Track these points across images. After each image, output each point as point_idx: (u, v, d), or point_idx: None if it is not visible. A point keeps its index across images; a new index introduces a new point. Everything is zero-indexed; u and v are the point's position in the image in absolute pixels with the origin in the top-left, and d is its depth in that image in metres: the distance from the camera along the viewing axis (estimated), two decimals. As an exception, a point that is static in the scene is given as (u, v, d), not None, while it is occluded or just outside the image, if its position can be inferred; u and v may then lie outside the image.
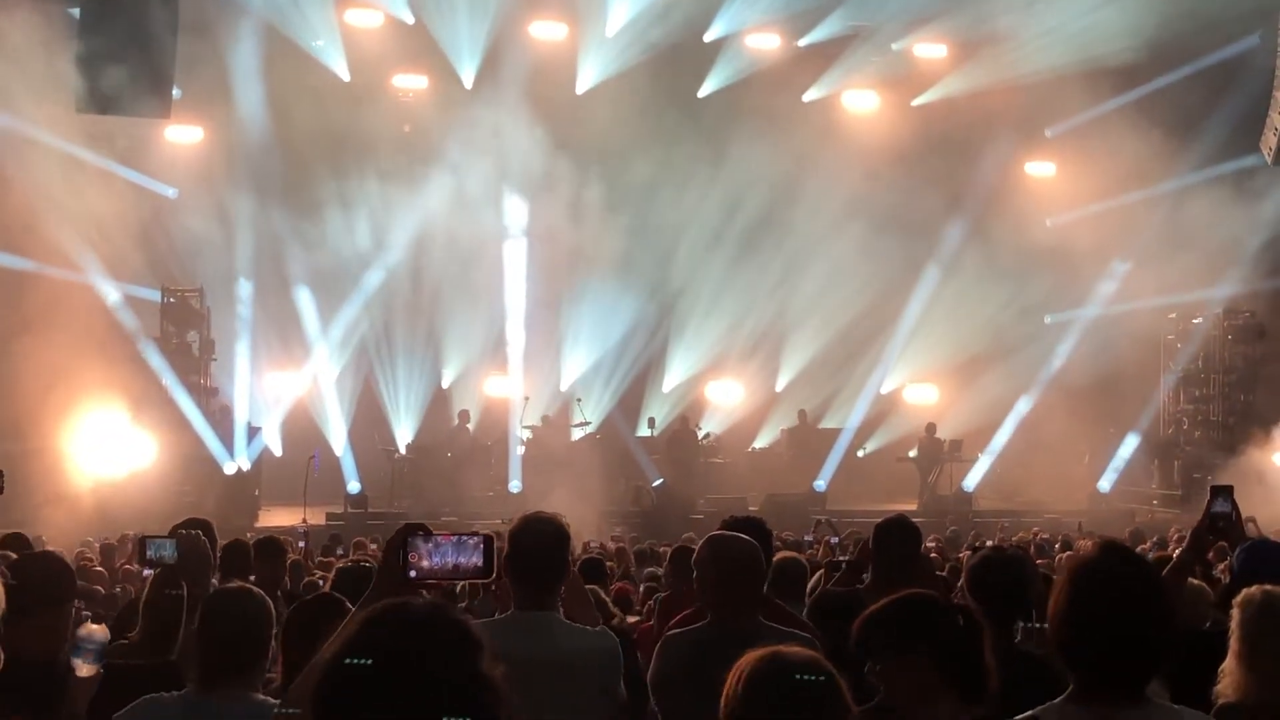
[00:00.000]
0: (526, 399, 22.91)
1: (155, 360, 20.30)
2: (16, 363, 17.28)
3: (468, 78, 23.43)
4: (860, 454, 24.45)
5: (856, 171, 23.15)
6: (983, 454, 23.04)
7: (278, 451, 22.35)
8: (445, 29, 23.13)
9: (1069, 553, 12.40)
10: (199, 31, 19.83)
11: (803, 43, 24.14)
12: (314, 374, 23.13)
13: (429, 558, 2.95)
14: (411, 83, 23.78)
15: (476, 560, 2.97)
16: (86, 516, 16.30)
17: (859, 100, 25.03)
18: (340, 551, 13.90)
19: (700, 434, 23.11)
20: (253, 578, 6.41)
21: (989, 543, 12.33)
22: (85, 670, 3.94)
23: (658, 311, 24.68)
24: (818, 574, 7.32)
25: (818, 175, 23.25)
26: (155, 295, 21.00)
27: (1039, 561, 8.77)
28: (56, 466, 17.56)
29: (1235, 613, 4.22)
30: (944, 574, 8.40)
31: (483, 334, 23.80)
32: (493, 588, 4.69)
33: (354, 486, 21.51)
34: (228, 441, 20.76)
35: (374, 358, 23.85)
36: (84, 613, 7.19)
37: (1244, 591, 4.28)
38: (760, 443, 24.98)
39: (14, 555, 6.21)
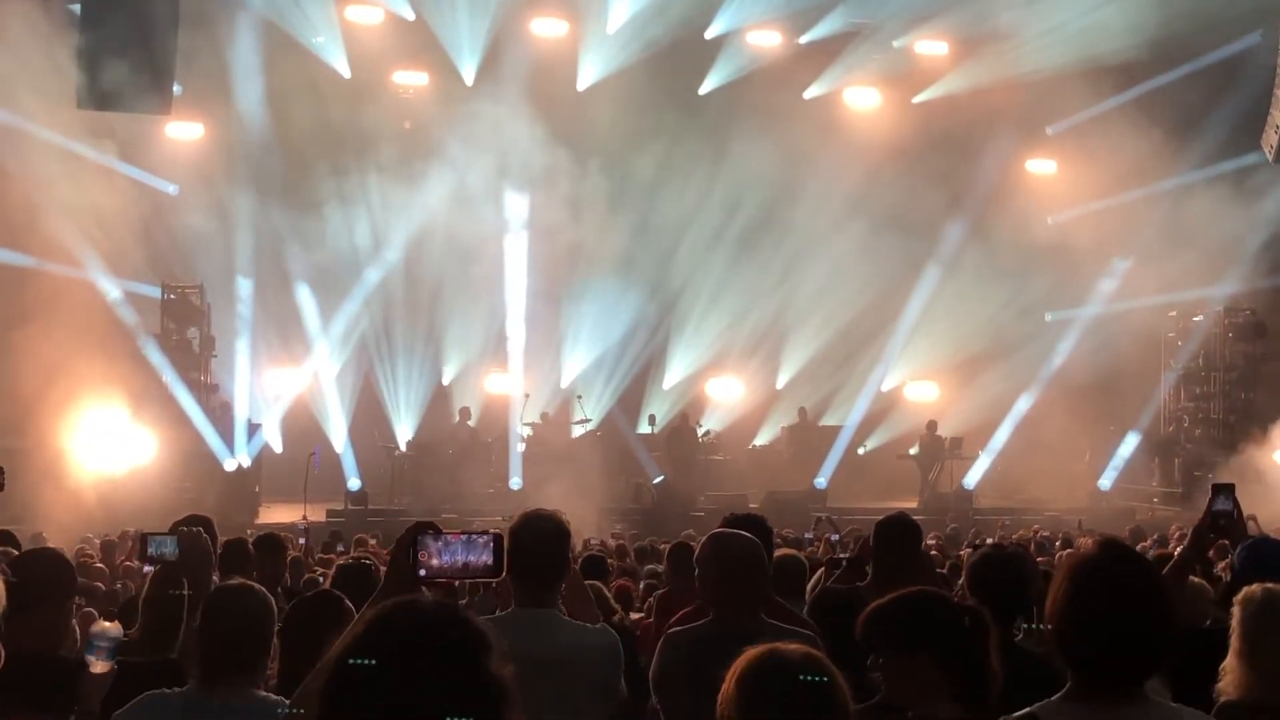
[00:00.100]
0: (527, 396, 22.90)
1: (155, 357, 20.31)
2: (17, 359, 17.28)
3: (468, 74, 23.43)
4: (861, 451, 24.44)
5: (857, 169, 23.15)
6: (983, 452, 23.04)
7: (278, 448, 22.34)
8: (446, 26, 23.12)
9: (1068, 550, 12.41)
10: (199, 28, 19.85)
11: (804, 40, 24.15)
12: (314, 371, 23.13)
13: (439, 556, 2.95)
14: (412, 79, 23.77)
15: (486, 559, 2.97)
16: (87, 513, 16.28)
17: (860, 98, 25.02)
18: (340, 548, 13.88)
19: (701, 431, 23.13)
20: (255, 574, 6.41)
21: (989, 540, 12.33)
22: (100, 667, 3.95)
23: (658, 309, 24.69)
24: (818, 572, 7.32)
25: (818, 173, 23.25)
26: (156, 292, 21.02)
27: (1039, 559, 8.76)
28: (57, 463, 17.55)
29: (1236, 610, 4.22)
30: (944, 572, 8.40)
31: (483, 331, 23.80)
32: (493, 585, 4.69)
33: (354, 483, 21.51)
34: (228, 438, 20.76)
35: (374, 354, 23.85)
36: (84, 609, 7.20)
37: (1245, 589, 4.29)
38: (761, 440, 24.98)
39: (14, 552, 6.20)
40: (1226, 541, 5.76)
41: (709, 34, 23.96)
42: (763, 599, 4.76)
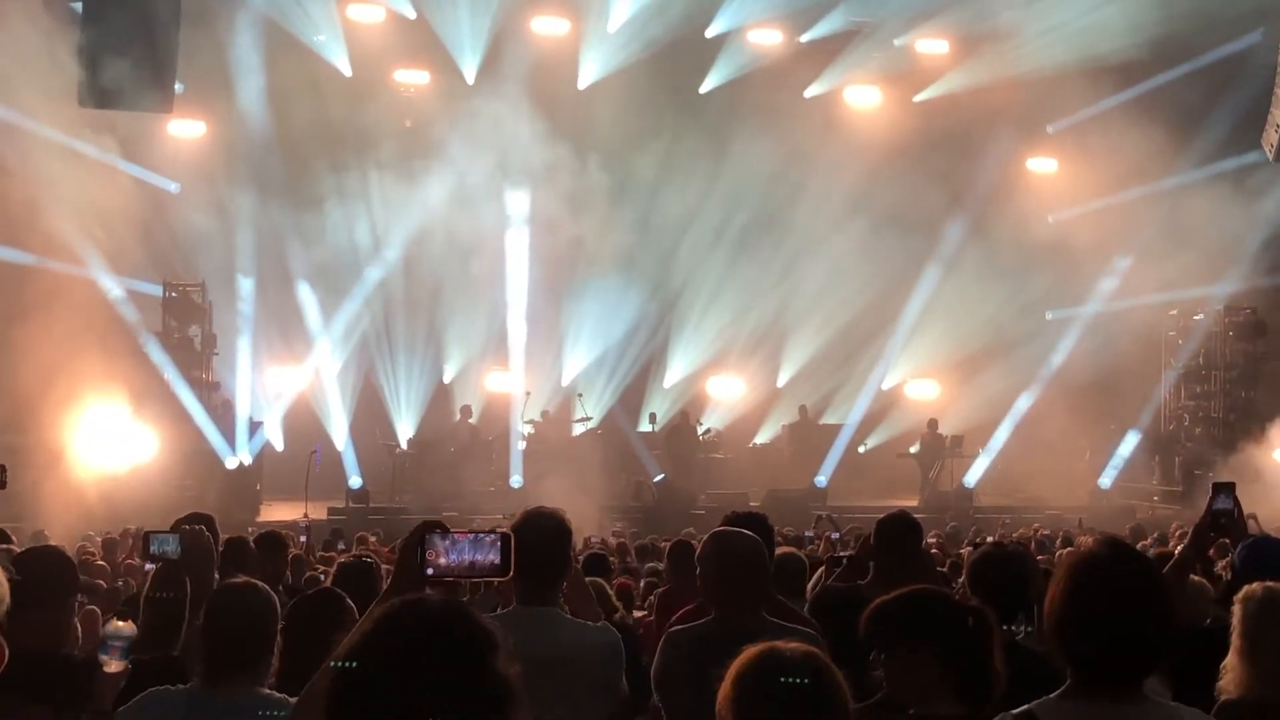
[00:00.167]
0: (528, 394, 22.90)
1: (157, 354, 20.31)
2: (18, 356, 17.27)
3: (469, 73, 23.43)
4: (861, 450, 24.44)
5: (858, 167, 23.15)
6: (983, 450, 23.06)
7: (279, 446, 22.36)
8: (447, 24, 23.13)
9: (1068, 549, 12.42)
10: (201, 26, 19.84)
11: (804, 38, 24.14)
12: (315, 369, 23.14)
13: (446, 555, 2.96)
14: (413, 78, 23.79)
15: (493, 558, 2.98)
16: (88, 511, 16.31)
17: (861, 96, 25.02)
18: (341, 546, 13.90)
19: (701, 430, 23.13)
20: (256, 573, 6.41)
21: (989, 539, 12.34)
22: (114, 666, 3.96)
23: (659, 307, 24.70)
24: (819, 570, 7.32)
25: (819, 171, 23.27)
26: (157, 290, 21.03)
27: (1039, 558, 8.76)
28: (58, 460, 17.56)
29: (1237, 609, 4.23)
30: (944, 570, 8.41)
31: (484, 329, 23.81)
32: (494, 583, 4.69)
33: (355, 481, 21.51)
34: (229, 436, 20.78)
35: (375, 353, 23.86)
36: (87, 607, 7.21)
37: (1246, 588, 4.29)
38: (761, 438, 25.00)
39: (14, 549, 6.21)
40: (1227, 540, 5.77)
41: (710, 33, 23.96)
42: (764, 597, 4.77)
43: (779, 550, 6.91)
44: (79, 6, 17.94)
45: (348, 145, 22.70)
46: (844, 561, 6.71)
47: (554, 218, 22.45)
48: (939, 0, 23.27)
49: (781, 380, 25.20)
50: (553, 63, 23.20)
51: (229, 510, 16.99)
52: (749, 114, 23.47)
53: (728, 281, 24.56)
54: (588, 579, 6.20)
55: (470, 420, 22.67)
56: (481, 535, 2.99)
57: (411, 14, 23.02)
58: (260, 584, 4.21)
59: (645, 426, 23.93)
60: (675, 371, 24.95)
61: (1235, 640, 4.18)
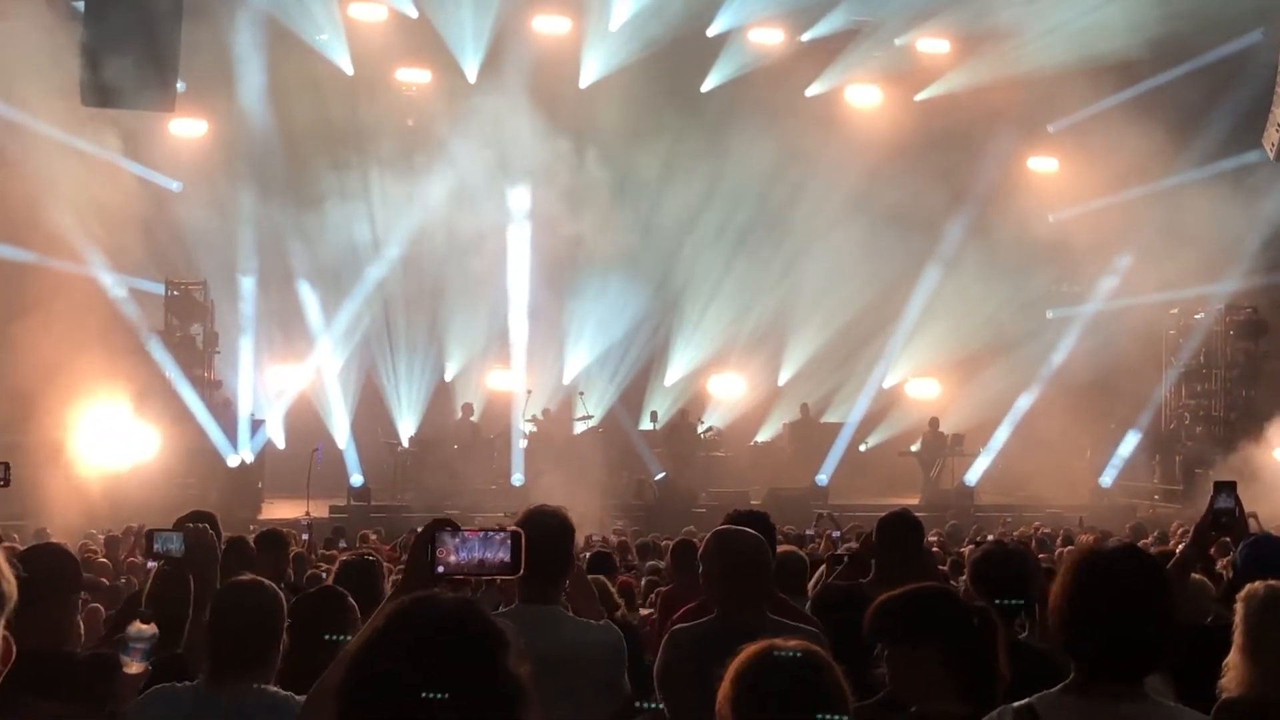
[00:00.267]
0: (529, 393, 22.90)
1: (159, 353, 20.31)
2: (20, 354, 17.28)
3: (471, 72, 23.43)
4: (862, 448, 24.45)
5: (859, 166, 23.14)
6: (984, 449, 23.07)
7: (281, 444, 22.38)
8: (449, 23, 23.13)
9: (1069, 547, 12.43)
10: (203, 25, 19.82)
11: (805, 37, 24.13)
12: (317, 367, 23.15)
13: (456, 553, 2.96)
14: (415, 77, 23.79)
15: (503, 556, 2.97)
16: (90, 508, 16.33)
17: (862, 95, 25.01)
18: (343, 544, 13.93)
19: (702, 428, 23.14)
20: (257, 572, 6.40)
21: (989, 537, 12.36)
22: (135, 668, 3.97)
23: (661, 305, 24.71)
24: (819, 568, 7.33)
25: (820, 170, 23.26)
26: (159, 288, 21.04)
27: (1040, 556, 8.78)
28: (60, 458, 17.58)
29: (1239, 607, 4.24)
30: (944, 569, 8.42)
31: (485, 328, 23.82)
32: (497, 581, 4.70)
33: (357, 479, 21.53)
34: (231, 434, 20.79)
35: (377, 351, 23.88)
36: (90, 604, 7.22)
37: (1247, 586, 4.30)
38: (762, 437, 25.01)
39: (17, 546, 6.22)
40: (1228, 539, 5.78)
41: (711, 32, 23.96)
42: (767, 595, 4.78)
43: (780, 549, 6.92)
44: (81, 5, 17.93)
45: (349, 144, 22.72)
46: (844, 559, 6.72)
47: (555, 216, 22.46)
48: (940, 0, 23.28)
49: (783, 379, 25.20)
50: (554, 61, 23.18)
51: (231, 508, 17.02)
52: (750, 113, 23.47)
53: (729, 280, 24.57)
54: (593, 577, 6.22)
55: (472, 418, 22.68)
56: (491, 533, 2.99)
57: (413, 13, 23.01)
58: (267, 582, 4.22)
59: (646, 425, 23.93)
60: (676, 370, 24.97)
61: (1237, 638, 4.19)
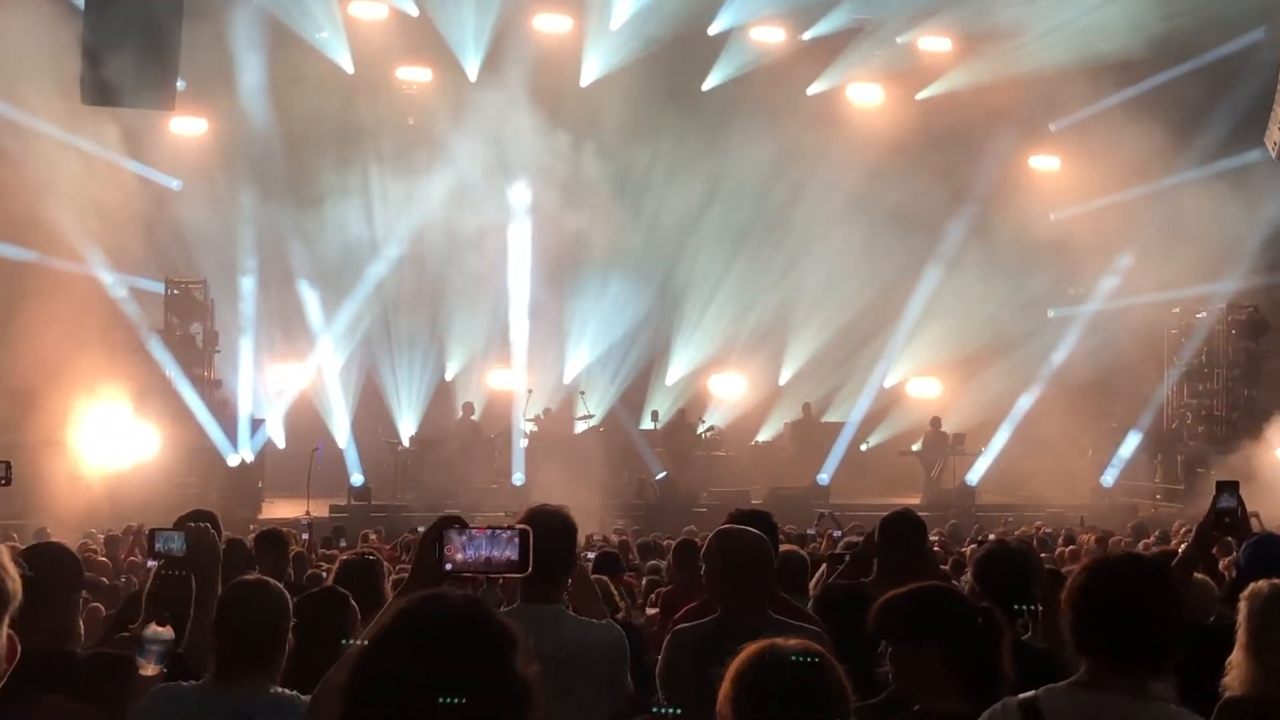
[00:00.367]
0: (530, 392, 22.89)
1: (159, 352, 20.30)
2: (20, 353, 17.29)
3: (472, 70, 23.41)
4: (863, 448, 24.44)
5: (860, 165, 23.12)
6: (985, 448, 23.07)
7: (281, 444, 22.37)
8: (449, 21, 23.12)
9: (1070, 546, 12.44)
10: (203, 23, 19.81)
11: (807, 36, 24.12)
12: (317, 366, 23.14)
13: (464, 551, 2.94)
14: (415, 75, 23.78)
15: (511, 554, 2.96)
16: (90, 508, 16.34)
17: (863, 94, 25.00)
18: (343, 544, 13.93)
19: (703, 427, 23.14)
20: (256, 572, 6.39)
21: (990, 536, 12.34)
22: (150, 670, 3.96)
23: (662, 304, 24.70)
24: (820, 568, 7.32)
25: (821, 169, 23.24)
26: (159, 287, 21.03)
27: (1041, 555, 8.77)
28: (60, 458, 17.57)
29: (1242, 606, 4.24)
30: (946, 568, 8.41)
31: (486, 327, 23.81)
32: (499, 580, 4.70)
33: (357, 479, 21.53)
34: (231, 434, 20.78)
35: (377, 350, 23.86)
36: (91, 604, 7.21)
37: (1251, 585, 4.31)
38: (764, 436, 25.01)
39: (17, 545, 6.21)
40: (1231, 539, 5.78)
41: (712, 30, 23.95)
42: (769, 595, 4.77)
43: (781, 548, 6.91)
44: (81, 2, 17.92)
45: (350, 142, 22.71)
46: (844, 559, 6.71)
47: (556, 216, 22.45)
48: (941, -1, 23.30)
49: (783, 378, 25.19)
50: (555, 60, 23.18)
51: (231, 507, 17.01)
52: (751, 112, 23.46)
53: (730, 279, 24.56)
54: (596, 577, 6.21)
55: (472, 418, 22.67)
56: (499, 531, 2.97)
57: (414, 11, 23.01)
58: (273, 581, 4.22)
59: (647, 424, 23.92)
60: (677, 369, 24.96)
61: (1240, 637, 4.19)
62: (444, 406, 23.65)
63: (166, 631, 4.02)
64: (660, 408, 24.16)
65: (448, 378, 24.12)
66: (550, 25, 23.54)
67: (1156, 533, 13.84)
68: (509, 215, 23.33)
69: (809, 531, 12.71)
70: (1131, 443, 23.13)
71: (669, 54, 23.35)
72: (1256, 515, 5.98)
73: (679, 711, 4.51)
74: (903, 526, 5.85)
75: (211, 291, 21.39)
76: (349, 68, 23.08)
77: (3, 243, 19.24)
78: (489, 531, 2.97)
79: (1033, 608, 4.84)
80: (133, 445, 18.81)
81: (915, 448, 23.17)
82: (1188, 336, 23.48)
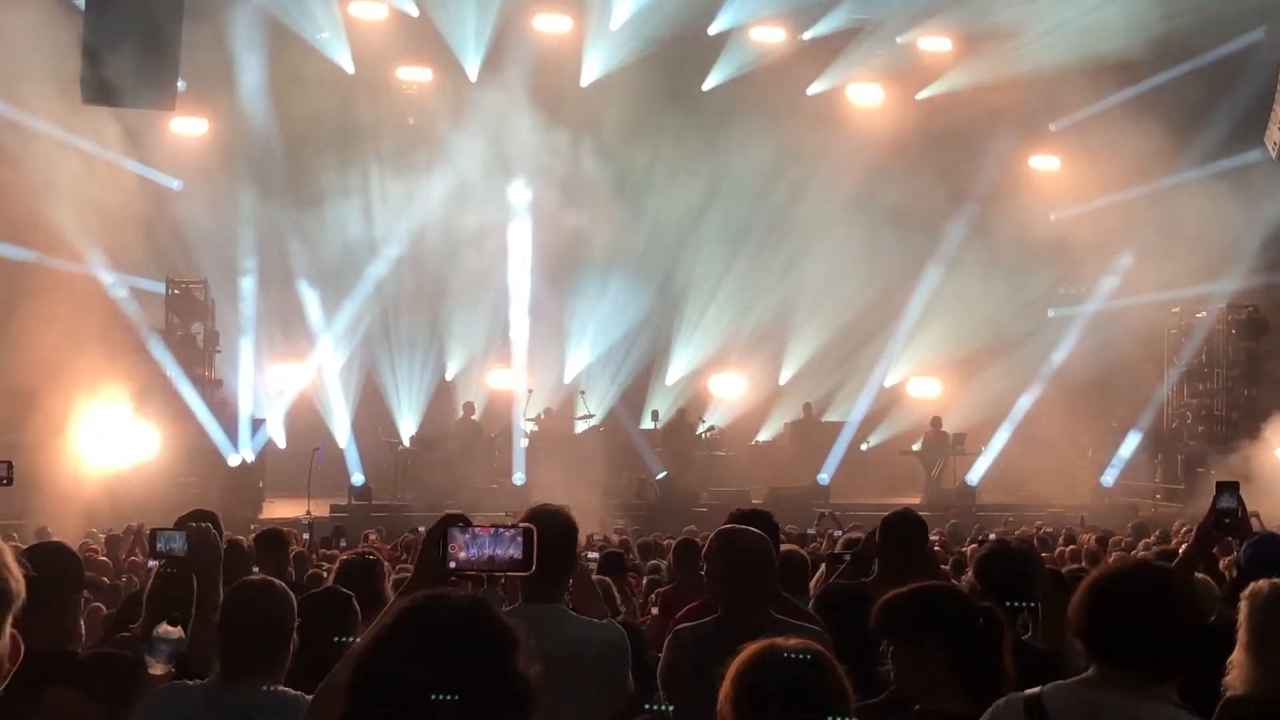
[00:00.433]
0: (530, 392, 22.89)
1: (159, 352, 20.30)
2: (20, 353, 17.28)
3: (472, 70, 23.41)
4: (864, 447, 24.44)
5: (860, 165, 23.13)
6: (985, 448, 23.07)
7: (281, 444, 22.36)
8: (450, 21, 23.12)
9: (1071, 546, 12.44)
10: (203, 23, 19.81)
11: (807, 36, 24.12)
12: (318, 366, 23.14)
13: (467, 549, 2.94)
14: (416, 75, 23.79)
15: (514, 553, 2.95)
16: (91, 508, 16.33)
17: (863, 94, 25.00)
18: (343, 543, 13.94)
19: (703, 427, 23.14)
20: (256, 572, 6.39)
21: (990, 536, 12.34)
22: (159, 669, 3.97)
23: (662, 304, 24.71)
24: (821, 567, 7.32)
25: (821, 169, 23.24)
26: (159, 287, 21.03)
27: (1041, 555, 8.77)
28: (61, 458, 17.56)
29: (1243, 605, 4.25)
30: (946, 568, 8.41)
31: (486, 327, 23.82)
32: (500, 580, 4.70)
33: (358, 479, 21.54)
34: (232, 433, 20.78)
35: (377, 350, 23.86)
36: (93, 604, 7.21)
37: (1251, 584, 4.31)
38: (764, 436, 25.01)
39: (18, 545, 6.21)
40: (1231, 538, 5.78)
41: (712, 30, 23.95)
42: (771, 595, 4.77)
43: (782, 548, 6.91)
44: (81, 2, 17.92)
45: (350, 142, 22.72)
46: (843, 559, 6.71)
47: (556, 215, 22.46)
48: (941, -2, 23.31)
49: (784, 378, 25.19)
50: (555, 60, 23.18)
51: (231, 507, 16.99)
52: (751, 112, 23.46)
53: (730, 279, 24.56)
54: (598, 578, 6.21)
55: (473, 417, 22.67)
56: (502, 530, 2.97)
57: (414, 11, 23.01)
58: (277, 581, 4.22)
59: (648, 424, 23.91)
60: (678, 369, 24.96)
61: (1241, 637, 4.20)
62: (444, 406, 23.65)
63: (176, 631, 4.02)
64: (660, 407, 24.15)
65: (448, 377, 24.12)
66: (550, 25, 23.54)
67: (1157, 533, 13.82)
68: (509, 215, 23.34)
69: (809, 531, 12.72)
70: (1131, 443, 23.13)
71: (669, 54, 23.36)
72: (1256, 515, 5.98)
73: (672, 709, 4.53)
74: (903, 526, 5.85)
75: (212, 291, 21.38)
76: (349, 68, 23.09)
77: (3, 243, 19.23)
78: (493, 530, 2.97)
79: (1033, 607, 4.85)
80: (133, 445, 18.81)
81: (915, 447, 23.16)
82: (1188, 336, 23.48)
